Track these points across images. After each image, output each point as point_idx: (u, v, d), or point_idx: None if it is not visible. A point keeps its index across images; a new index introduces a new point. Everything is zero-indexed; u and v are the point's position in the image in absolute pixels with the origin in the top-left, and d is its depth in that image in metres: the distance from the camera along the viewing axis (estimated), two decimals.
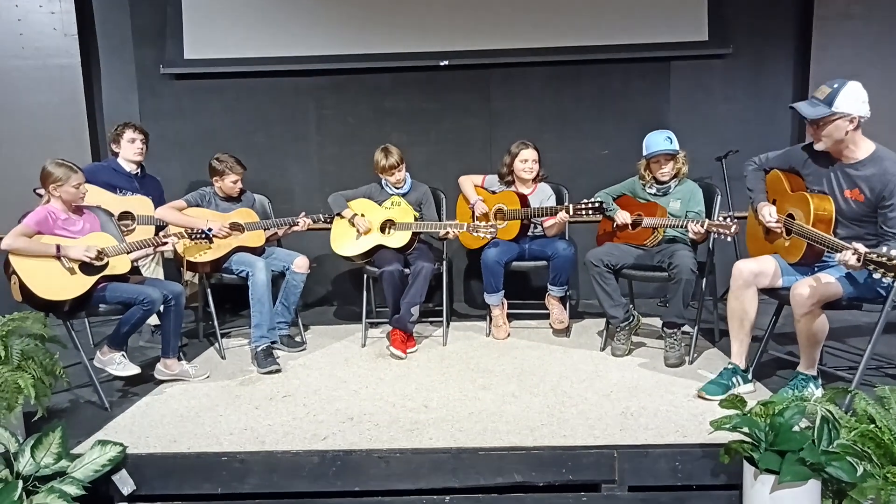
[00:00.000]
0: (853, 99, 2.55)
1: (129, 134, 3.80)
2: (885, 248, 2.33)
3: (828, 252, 2.64)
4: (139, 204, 3.73)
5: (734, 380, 2.86)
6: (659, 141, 3.40)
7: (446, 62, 4.49)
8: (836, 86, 2.58)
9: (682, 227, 3.29)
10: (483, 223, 3.57)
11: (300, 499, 2.45)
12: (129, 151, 3.81)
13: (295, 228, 3.81)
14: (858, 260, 2.37)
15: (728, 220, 3.08)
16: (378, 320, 4.07)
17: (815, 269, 2.78)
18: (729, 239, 3.10)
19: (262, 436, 2.61)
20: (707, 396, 2.80)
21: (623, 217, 3.45)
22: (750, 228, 3.07)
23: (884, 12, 4.38)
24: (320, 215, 3.84)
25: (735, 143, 4.34)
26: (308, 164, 4.73)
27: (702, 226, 3.16)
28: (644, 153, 3.47)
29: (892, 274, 2.28)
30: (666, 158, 3.41)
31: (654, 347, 3.52)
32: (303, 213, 3.80)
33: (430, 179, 4.10)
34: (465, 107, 4.63)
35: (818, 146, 2.69)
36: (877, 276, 2.34)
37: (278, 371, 3.34)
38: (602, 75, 4.57)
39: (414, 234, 3.73)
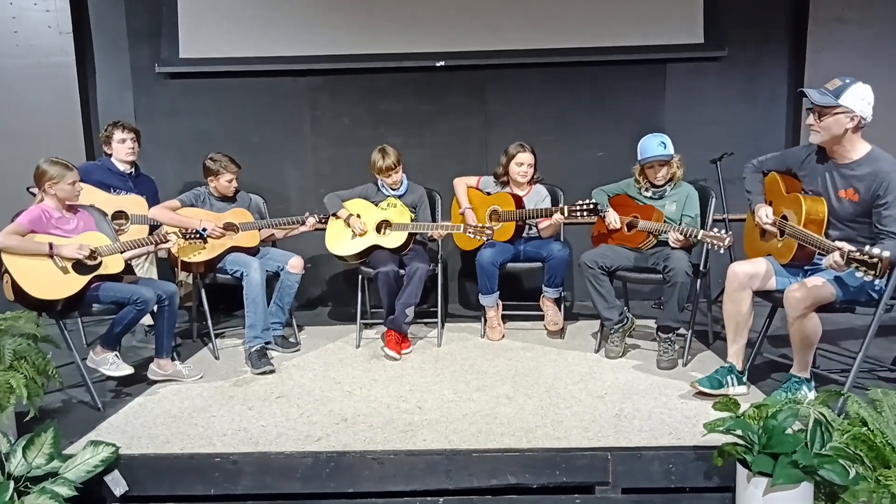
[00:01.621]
0: (860, 98, 2.59)
1: (118, 135, 3.78)
2: (868, 247, 2.35)
3: (818, 253, 2.66)
4: (133, 203, 3.72)
5: (728, 378, 2.87)
6: (653, 146, 3.39)
7: (442, 63, 4.49)
8: (847, 81, 2.62)
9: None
10: (478, 225, 3.58)
11: (293, 500, 2.45)
12: (120, 152, 3.80)
13: (302, 228, 3.80)
14: (843, 258, 2.38)
15: (723, 231, 3.08)
16: (372, 321, 4.07)
17: (807, 270, 2.80)
18: (722, 251, 3.10)
19: (256, 437, 2.60)
20: (700, 388, 2.82)
21: (613, 220, 3.46)
22: (747, 230, 3.08)
23: (878, 16, 4.40)
24: (316, 215, 3.83)
25: (730, 145, 4.35)
26: (303, 165, 4.72)
27: (696, 236, 3.16)
28: (638, 158, 3.47)
29: (873, 272, 2.30)
30: (660, 163, 3.40)
31: (648, 349, 3.52)
32: (308, 213, 3.79)
33: (425, 181, 4.10)
34: (461, 108, 4.63)
35: (814, 138, 2.71)
36: (859, 274, 2.35)
37: (272, 372, 3.33)
38: (598, 77, 4.57)
39: (410, 234, 3.73)
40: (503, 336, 3.84)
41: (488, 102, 4.63)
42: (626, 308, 3.56)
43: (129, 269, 3.25)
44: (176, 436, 2.63)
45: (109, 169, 3.80)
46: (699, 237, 3.15)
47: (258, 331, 3.45)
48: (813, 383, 2.76)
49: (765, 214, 2.89)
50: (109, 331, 3.05)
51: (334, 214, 3.81)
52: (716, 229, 3.15)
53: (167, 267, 3.78)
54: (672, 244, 3.26)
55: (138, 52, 4.60)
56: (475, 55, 4.50)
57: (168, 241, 3.30)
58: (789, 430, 2.18)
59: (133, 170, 3.88)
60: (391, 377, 3.25)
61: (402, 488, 2.43)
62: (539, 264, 3.79)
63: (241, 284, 3.51)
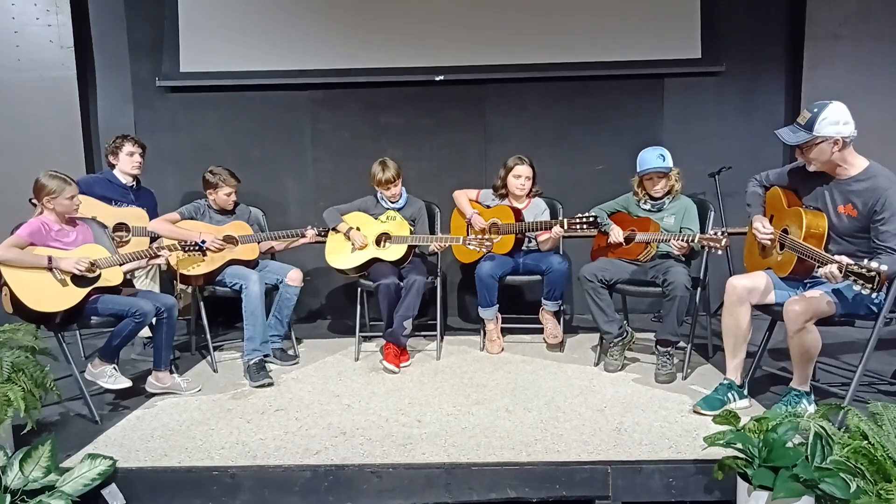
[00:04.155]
0: (832, 122, 2.58)
1: (128, 147, 3.80)
2: (866, 261, 2.36)
3: (817, 266, 2.66)
4: (134, 216, 3.72)
5: (729, 395, 2.86)
6: (652, 158, 3.42)
7: (441, 77, 4.52)
8: (815, 110, 2.62)
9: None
10: (478, 236, 3.58)
11: None
12: (127, 165, 3.81)
13: (302, 240, 3.80)
14: (841, 271, 2.39)
15: (719, 233, 3.10)
16: (371, 334, 4.06)
17: (807, 283, 2.80)
18: (720, 252, 3.11)
19: (254, 450, 2.59)
20: (702, 411, 2.80)
21: (616, 235, 3.46)
22: (748, 244, 3.09)
23: (873, 33, 4.45)
24: (316, 228, 3.83)
25: (728, 159, 4.38)
26: (303, 178, 4.74)
27: (693, 240, 3.18)
28: (637, 170, 3.49)
29: (870, 286, 2.30)
30: (659, 176, 3.42)
31: (647, 363, 3.52)
32: (309, 226, 3.79)
33: (424, 194, 4.11)
34: (460, 122, 4.66)
35: (810, 168, 2.73)
36: (856, 287, 2.36)
37: (270, 385, 3.32)
38: (596, 91, 4.60)
39: (409, 247, 3.73)
40: (502, 349, 3.84)
41: (487, 116, 4.66)
42: (625, 321, 3.56)
43: (127, 281, 3.25)
44: (174, 449, 2.61)
45: (111, 181, 3.81)
46: (696, 240, 3.17)
47: (257, 343, 3.44)
48: (813, 396, 2.76)
49: (761, 226, 2.90)
50: (108, 343, 3.04)
51: (334, 229, 3.82)
52: (711, 231, 3.16)
53: (168, 280, 3.78)
54: (676, 252, 3.27)
55: (139, 66, 4.64)
56: (474, 69, 4.53)
57: (160, 255, 3.27)
58: (790, 444, 2.17)
59: (134, 183, 3.89)
60: (390, 390, 3.24)
61: (401, 502, 2.42)
62: (538, 277, 3.79)
63: (240, 297, 3.51)
